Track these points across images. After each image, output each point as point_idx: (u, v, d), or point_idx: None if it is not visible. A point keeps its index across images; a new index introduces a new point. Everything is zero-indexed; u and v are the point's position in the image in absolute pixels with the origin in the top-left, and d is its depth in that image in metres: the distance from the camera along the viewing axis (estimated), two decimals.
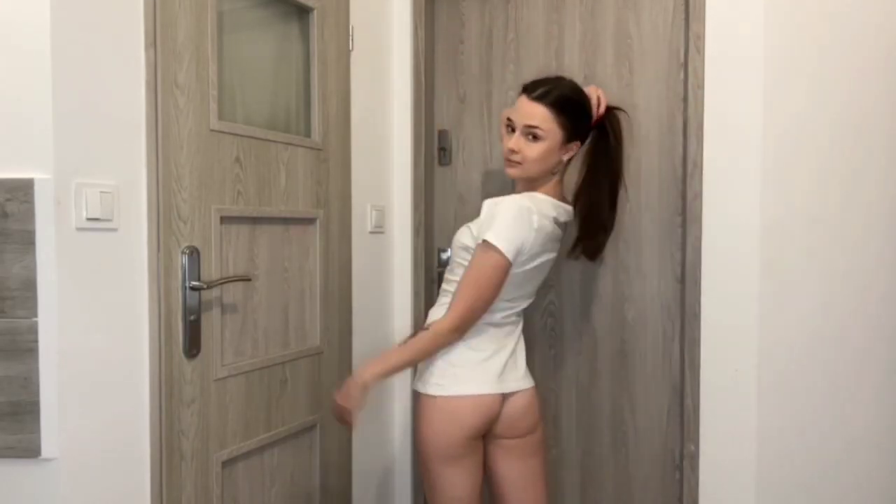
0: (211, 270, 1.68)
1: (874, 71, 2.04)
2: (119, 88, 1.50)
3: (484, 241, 1.67)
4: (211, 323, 1.69)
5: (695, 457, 2.15)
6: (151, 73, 1.54)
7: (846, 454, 2.09)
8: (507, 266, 1.68)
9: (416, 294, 2.45)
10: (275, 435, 1.89)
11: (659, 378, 2.25)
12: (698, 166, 2.12)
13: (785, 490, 2.12)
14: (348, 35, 2.16)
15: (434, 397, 1.74)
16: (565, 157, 1.79)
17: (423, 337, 1.74)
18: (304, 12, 2.01)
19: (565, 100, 1.74)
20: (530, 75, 2.34)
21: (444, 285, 1.85)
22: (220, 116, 1.72)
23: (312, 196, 2.02)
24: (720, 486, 2.14)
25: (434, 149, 2.48)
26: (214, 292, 1.70)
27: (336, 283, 2.12)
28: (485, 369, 1.76)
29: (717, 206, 2.11)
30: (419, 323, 2.44)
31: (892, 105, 2.04)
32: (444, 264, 2.49)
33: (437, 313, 1.78)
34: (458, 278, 1.75)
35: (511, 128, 1.77)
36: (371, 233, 2.34)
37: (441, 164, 2.48)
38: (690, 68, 2.13)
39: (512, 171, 1.79)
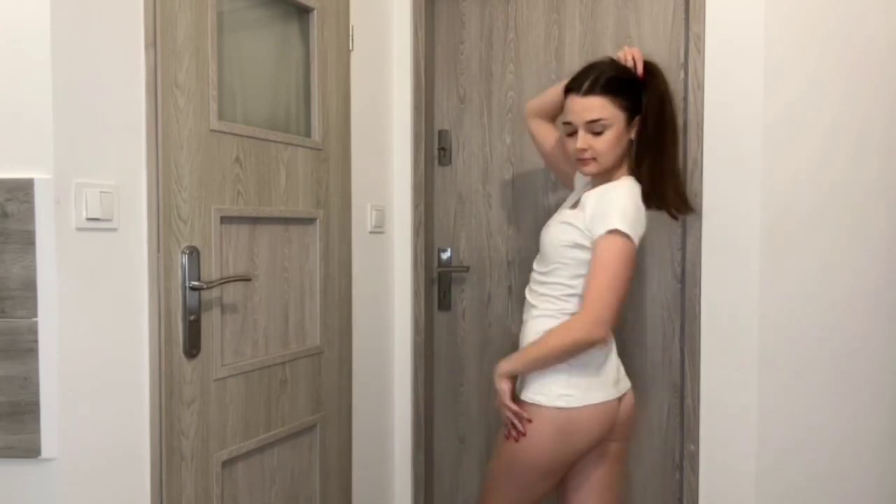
0: (211, 270, 1.68)
1: (874, 71, 2.04)
2: (119, 88, 1.50)
3: (612, 230, 1.59)
4: (211, 323, 1.69)
5: (695, 457, 2.15)
6: (151, 73, 1.54)
7: (846, 454, 2.09)
8: (635, 253, 1.64)
9: (415, 294, 2.45)
10: (275, 435, 1.89)
11: (659, 378, 2.25)
12: (698, 166, 2.12)
13: (785, 490, 2.12)
14: (348, 35, 2.16)
15: (561, 410, 1.65)
16: (633, 135, 1.71)
17: (559, 333, 1.64)
18: (304, 12, 2.01)
19: (614, 81, 1.68)
20: (530, 75, 2.35)
21: (538, 290, 1.74)
22: (220, 116, 1.72)
23: (312, 196, 2.02)
24: (720, 486, 2.14)
25: (434, 149, 2.48)
26: (214, 292, 1.70)
27: (336, 283, 2.12)
28: (605, 373, 1.69)
29: (717, 206, 2.11)
30: (419, 324, 2.44)
31: (892, 105, 2.04)
32: (444, 264, 2.49)
33: (543, 325, 1.69)
34: (564, 280, 1.69)
35: (571, 131, 1.72)
36: (371, 233, 2.34)
37: (441, 164, 2.48)
38: (690, 68, 2.13)
39: (589, 169, 1.72)
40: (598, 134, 1.68)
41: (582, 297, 1.65)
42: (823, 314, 2.08)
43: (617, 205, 1.63)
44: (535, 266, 1.80)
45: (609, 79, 1.68)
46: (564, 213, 1.76)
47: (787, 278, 2.08)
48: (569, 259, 1.68)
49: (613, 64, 1.73)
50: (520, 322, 1.83)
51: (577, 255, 1.67)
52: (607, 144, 1.68)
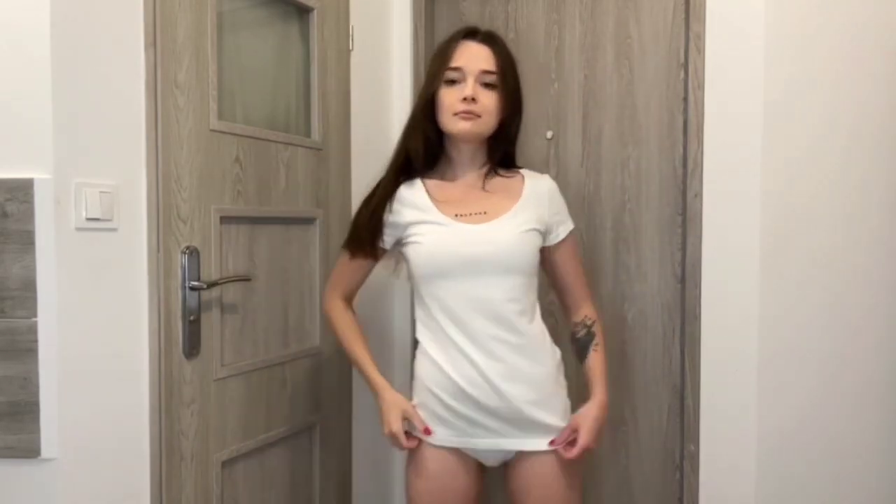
0: (211, 270, 1.68)
1: (876, 70, 2.04)
2: (119, 88, 1.49)
3: (571, 230, 1.70)
4: (211, 323, 1.69)
5: (695, 457, 2.15)
6: (151, 73, 1.54)
7: (847, 454, 2.09)
8: None
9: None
10: (274, 435, 1.89)
11: (659, 378, 2.25)
12: (698, 166, 2.12)
13: (785, 490, 2.12)
14: (348, 35, 2.16)
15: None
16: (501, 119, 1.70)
17: (602, 331, 1.72)
18: (304, 12, 2.01)
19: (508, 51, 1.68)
20: (530, 75, 2.35)
21: (514, 309, 1.58)
22: (220, 116, 1.72)
23: (312, 196, 2.01)
24: (720, 486, 2.14)
25: None
26: (214, 292, 1.70)
27: None
28: None
29: (717, 206, 2.11)
30: None
31: (892, 105, 2.04)
32: None
33: (551, 353, 1.65)
34: (534, 291, 1.65)
35: (454, 79, 1.62)
36: None
37: None
38: (690, 68, 2.13)
39: (468, 127, 1.60)
40: (489, 88, 1.60)
41: (566, 294, 1.74)
42: (823, 314, 2.08)
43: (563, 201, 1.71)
44: (487, 285, 1.57)
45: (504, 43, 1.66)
46: (518, 219, 1.61)
47: (787, 278, 2.08)
48: (534, 268, 1.64)
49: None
50: None
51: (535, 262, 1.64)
52: (494, 105, 1.60)
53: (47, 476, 1.39)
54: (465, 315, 1.57)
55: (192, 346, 1.63)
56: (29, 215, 1.36)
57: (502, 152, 1.68)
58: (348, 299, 1.79)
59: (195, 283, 1.62)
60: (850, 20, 2.03)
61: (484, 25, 2.38)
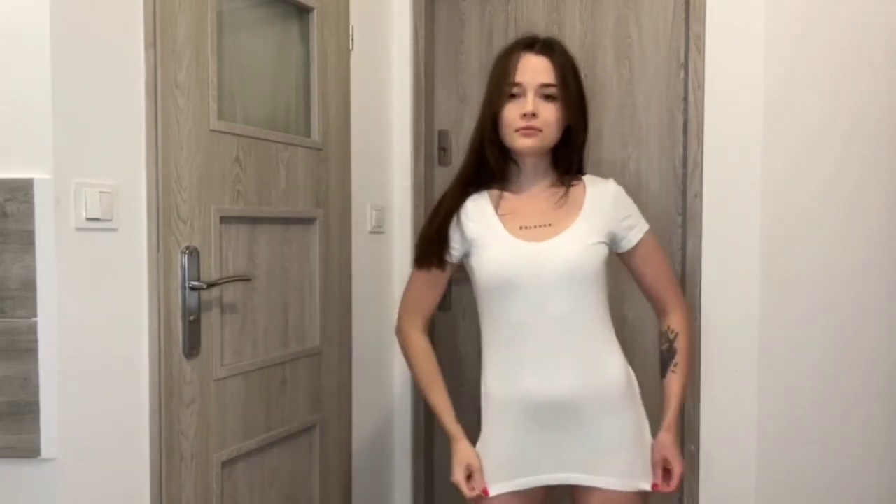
0: (210, 270, 1.68)
1: (876, 70, 2.03)
2: (119, 88, 1.49)
3: (647, 231, 1.63)
4: (211, 323, 1.69)
5: (695, 457, 2.15)
6: (151, 73, 1.54)
7: (846, 454, 2.09)
8: None
9: None
10: (275, 435, 1.89)
11: (659, 378, 2.24)
12: (698, 166, 2.12)
13: (785, 490, 2.12)
14: (348, 35, 2.16)
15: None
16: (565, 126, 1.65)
17: (690, 337, 1.65)
18: (304, 12, 2.01)
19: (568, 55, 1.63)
20: None
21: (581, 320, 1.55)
22: (220, 116, 1.72)
23: (312, 196, 2.01)
24: (720, 486, 2.14)
25: (434, 149, 2.48)
26: (214, 292, 1.70)
27: (336, 283, 2.12)
28: None
29: (717, 206, 2.11)
30: None
31: (892, 105, 2.04)
32: None
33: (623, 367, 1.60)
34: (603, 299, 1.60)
35: (515, 93, 1.58)
36: (371, 233, 2.34)
37: (441, 164, 2.48)
38: (690, 68, 2.13)
39: (530, 143, 1.57)
40: (549, 100, 1.55)
41: (653, 298, 1.68)
42: (823, 314, 2.08)
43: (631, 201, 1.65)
44: (551, 299, 1.53)
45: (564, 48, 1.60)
46: (580, 232, 1.57)
47: (787, 278, 2.08)
48: (600, 279, 1.58)
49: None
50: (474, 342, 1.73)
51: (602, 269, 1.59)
52: (555, 117, 1.55)
53: (47, 476, 1.39)
54: (529, 329, 1.54)
55: (192, 346, 1.63)
56: (29, 215, 1.35)
57: (569, 161, 1.63)
58: (424, 322, 1.68)
59: (195, 283, 1.62)
60: (850, 20, 2.03)
61: (484, 25, 2.40)
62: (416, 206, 2.43)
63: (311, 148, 2.01)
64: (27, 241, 1.36)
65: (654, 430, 1.63)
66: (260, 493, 1.87)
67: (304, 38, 2.03)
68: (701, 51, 2.11)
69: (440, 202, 1.67)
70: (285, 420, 1.93)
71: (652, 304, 1.71)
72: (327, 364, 2.09)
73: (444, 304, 2.49)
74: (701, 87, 2.11)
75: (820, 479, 2.10)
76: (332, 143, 2.09)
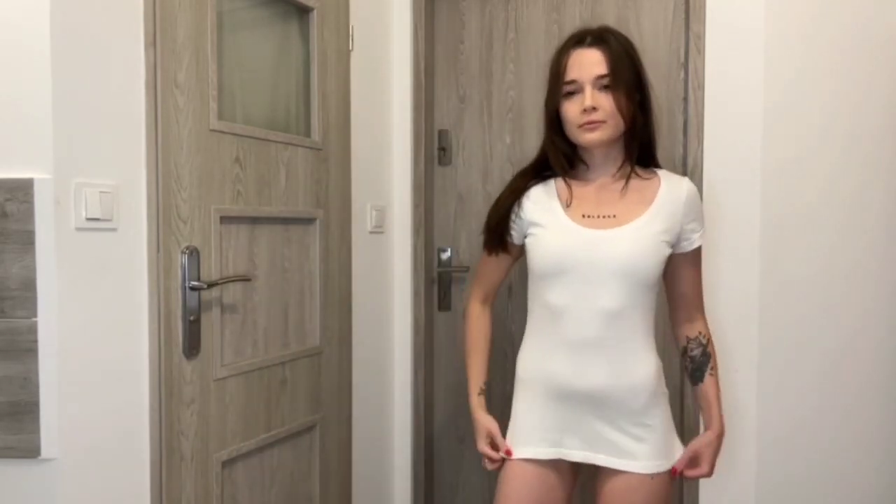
0: (211, 270, 1.68)
1: (876, 69, 2.04)
2: (119, 88, 1.50)
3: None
4: (211, 323, 1.69)
5: None
6: (151, 72, 1.54)
7: (846, 454, 2.09)
8: None
9: (416, 294, 2.45)
10: (275, 435, 1.89)
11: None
12: (698, 166, 2.12)
13: (785, 489, 2.12)
14: (348, 35, 2.16)
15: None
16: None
17: (716, 359, 1.64)
18: (303, 12, 2.01)
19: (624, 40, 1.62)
20: (530, 75, 2.35)
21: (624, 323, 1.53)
22: (220, 116, 1.72)
23: (312, 196, 2.01)
24: (720, 486, 2.14)
25: (434, 149, 2.48)
26: (214, 292, 1.70)
27: (336, 283, 2.12)
28: None
29: (717, 206, 2.11)
30: (419, 324, 2.44)
31: (892, 103, 2.04)
32: (444, 264, 2.49)
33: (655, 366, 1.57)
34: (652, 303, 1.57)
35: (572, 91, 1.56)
36: (371, 233, 2.34)
37: (441, 164, 2.48)
38: (690, 68, 2.13)
39: (595, 136, 1.55)
40: (608, 90, 1.52)
41: (683, 304, 1.65)
42: (823, 314, 2.08)
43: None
44: (600, 291, 1.51)
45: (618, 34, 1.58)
46: (647, 228, 1.53)
47: (787, 278, 2.08)
48: (655, 280, 1.55)
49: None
50: (521, 323, 1.71)
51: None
52: (616, 106, 1.52)
53: (47, 476, 1.39)
54: (572, 317, 1.53)
55: (192, 346, 1.63)
56: (29, 215, 1.36)
57: (639, 150, 1.60)
58: (488, 297, 1.75)
59: (195, 283, 1.62)
60: (850, 20, 2.04)
61: (484, 25, 2.40)
62: (416, 206, 2.43)
63: (311, 148, 2.01)
64: (27, 241, 1.36)
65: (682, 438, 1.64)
66: (260, 493, 1.87)
67: (304, 38, 2.03)
68: (701, 51, 2.11)
69: (507, 187, 1.69)
70: (285, 420, 1.93)
71: (677, 309, 1.67)
72: (327, 364, 2.09)
73: (444, 304, 2.49)
74: (701, 87, 2.11)
75: (820, 479, 2.10)
76: (332, 143, 2.09)
